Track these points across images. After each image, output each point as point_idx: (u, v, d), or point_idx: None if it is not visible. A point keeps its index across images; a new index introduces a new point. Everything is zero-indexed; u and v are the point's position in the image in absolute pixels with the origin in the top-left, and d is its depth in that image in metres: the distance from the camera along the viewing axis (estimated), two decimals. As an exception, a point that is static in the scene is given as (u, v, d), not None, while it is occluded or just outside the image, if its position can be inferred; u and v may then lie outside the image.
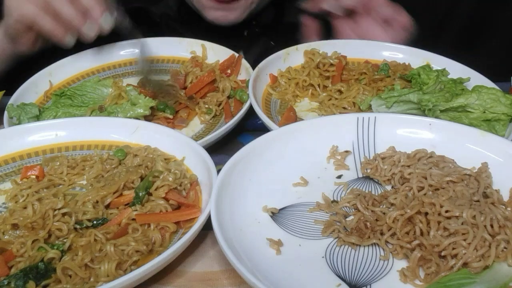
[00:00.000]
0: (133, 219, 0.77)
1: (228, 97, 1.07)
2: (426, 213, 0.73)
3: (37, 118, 1.00)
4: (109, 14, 1.03)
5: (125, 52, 1.22)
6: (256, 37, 1.37)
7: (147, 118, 1.00)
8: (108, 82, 1.09)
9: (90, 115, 1.01)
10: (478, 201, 0.75)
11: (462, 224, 0.70)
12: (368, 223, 0.74)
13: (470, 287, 0.66)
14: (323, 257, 0.72)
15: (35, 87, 1.10)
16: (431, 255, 0.69)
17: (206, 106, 1.04)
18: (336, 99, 1.05)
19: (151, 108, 1.00)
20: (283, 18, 1.39)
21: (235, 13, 1.22)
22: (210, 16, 1.23)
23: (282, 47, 1.14)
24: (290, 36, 1.16)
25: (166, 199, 0.80)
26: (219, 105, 1.05)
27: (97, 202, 0.80)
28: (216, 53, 1.17)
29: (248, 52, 1.35)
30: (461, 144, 0.85)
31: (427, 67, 1.05)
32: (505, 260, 0.68)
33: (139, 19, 1.25)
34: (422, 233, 0.72)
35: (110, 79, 1.11)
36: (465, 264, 0.68)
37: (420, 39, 1.18)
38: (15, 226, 0.77)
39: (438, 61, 1.11)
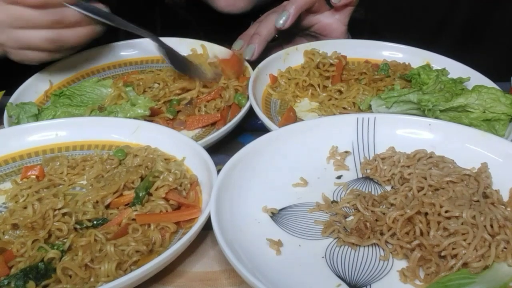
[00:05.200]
0: (133, 219, 0.77)
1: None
2: (426, 213, 0.73)
3: (36, 117, 1.00)
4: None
5: (125, 52, 1.22)
6: None
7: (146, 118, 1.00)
8: (107, 83, 1.09)
9: (89, 115, 1.01)
10: (478, 201, 0.75)
11: (462, 224, 0.70)
12: (368, 224, 0.74)
13: (470, 287, 0.66)
14: (323, 257, 0.72)
15: (35, 87, 1.10)
16: (431, 255, 0.69)
17: (205, 110, 1.04)
18: (336, 99, 1.05)
19: (151, 108, 1.00)
20: None
21: (244, 0, 1.21)
22: (220, 3, 1.21)
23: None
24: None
25: (166, 199, 0.80)
26: (217, 110, 1.04)
27: (97, 202, 0.80)
28: (216, 53, 1.17)
29: None
30: (461, 144, 0.85)
31: (427, 67, 1.05)
32: (505, 260, 0.68)
33: (154, 8, 1.25)
34: (422, 233, 0.72)
35: (110, 80, 1.11)
36: (465, 264, 0.68)
37: (420, 39, 1.18)
38: (15, 226, 0.77)
39: (438, 61, 1.11)
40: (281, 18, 1.09)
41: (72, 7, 0.95)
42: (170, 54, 1.08)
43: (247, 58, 1.12)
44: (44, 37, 0.94)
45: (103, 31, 1.02)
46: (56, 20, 0.93)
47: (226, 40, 1.19)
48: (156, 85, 1.09)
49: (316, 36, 1.21)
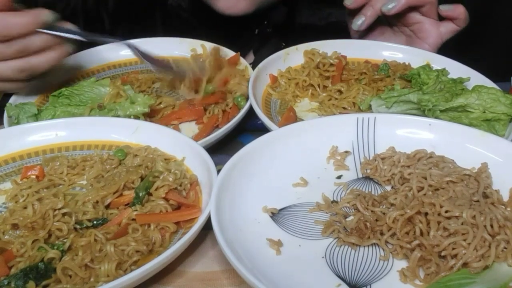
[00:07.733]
0: (133, 219, 0.77)
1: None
2: (426, 213, 0.73)
3: (36, 117, 1.00)
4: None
5: (125, 52, 1.22)
6: (267, 37, 1.36)
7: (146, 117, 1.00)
8: (106, 82, 1.08)
9: (89, 114, 1.01)
10: (478, 201, 0.75)
11: (462, 224, 0.70)
12: (368, 223, 0.74)
13: (470, 287, 0.66)
14: (323, 257, 0.72)
15: (35, 87, 1.10)
16: (431, 255, 0.69)
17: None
18: (336, 99, 1.05)
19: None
20: (295, 19, 1.38)
21: (245, 1, 1.19)
22: (220, 5, 1.20)
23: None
24: (301, 37, 1.16)
25: (166, 199, 0.80)
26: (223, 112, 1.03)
27: (97, 202, 0.80)
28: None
29: (258, 52, 1.35)
30: (461, 144, 0.85)
31: (427, 67, 1.05)
32: (505, 260, 0.68)
33: (155, 11, 1.24)
34: (422, 233, 0.72)
35: (107, 79, 1.11)
36: (465, 264, 0.68)
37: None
38: (15, 226, 0.77)
39: (438, 61, 1.11)
40: (391, 4, 1.10)
41: (42, 30, 0.93)
42: (149, 57, 1.07)
43: (355, 28, 1.14)
44: (12, 67, 0.94)
45: (73, 50, 1.02)
46: (20, 49, 0.92)
47: (228, 43, 1.18)
48: (155, 86, 1.09)
49: (409, 35, 1.20)
